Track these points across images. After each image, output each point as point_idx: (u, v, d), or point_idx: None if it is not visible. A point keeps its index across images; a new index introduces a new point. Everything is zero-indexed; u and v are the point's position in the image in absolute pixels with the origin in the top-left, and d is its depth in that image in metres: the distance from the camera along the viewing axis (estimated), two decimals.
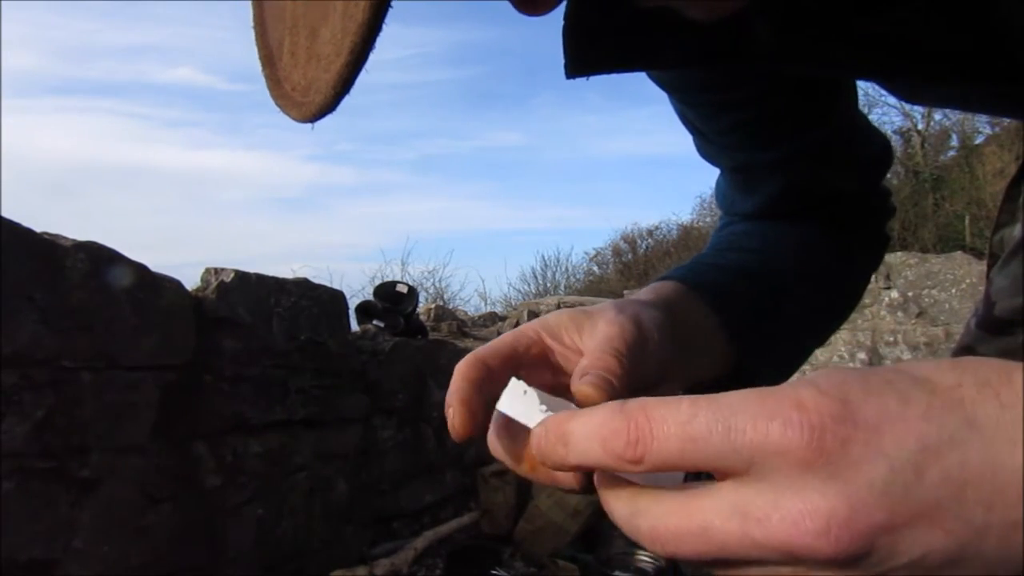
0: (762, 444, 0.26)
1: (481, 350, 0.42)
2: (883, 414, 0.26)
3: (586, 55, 0.48)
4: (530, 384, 0.37)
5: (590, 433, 0.29)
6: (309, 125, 0.30)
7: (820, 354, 5.29)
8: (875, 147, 0.69)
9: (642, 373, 0.42)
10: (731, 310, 0.55)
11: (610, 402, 0.30)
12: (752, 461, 0.26)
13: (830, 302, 0.67)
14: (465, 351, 4.09)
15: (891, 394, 0.26)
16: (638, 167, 25.12)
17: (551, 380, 0.44)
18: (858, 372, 0.28)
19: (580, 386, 0.38)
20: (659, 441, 0.28)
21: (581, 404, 0.37)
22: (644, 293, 0.53)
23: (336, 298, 3.01)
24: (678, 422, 0.28)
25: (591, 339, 0.43)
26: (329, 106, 0.29)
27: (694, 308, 0.54)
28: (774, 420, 0.26)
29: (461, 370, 0.41)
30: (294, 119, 0.31)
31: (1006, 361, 0.27)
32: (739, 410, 0.27)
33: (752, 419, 0.27)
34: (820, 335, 0.68)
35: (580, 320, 0.44)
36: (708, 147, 0.68)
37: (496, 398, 0.37)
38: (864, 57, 0.48)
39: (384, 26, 0.27)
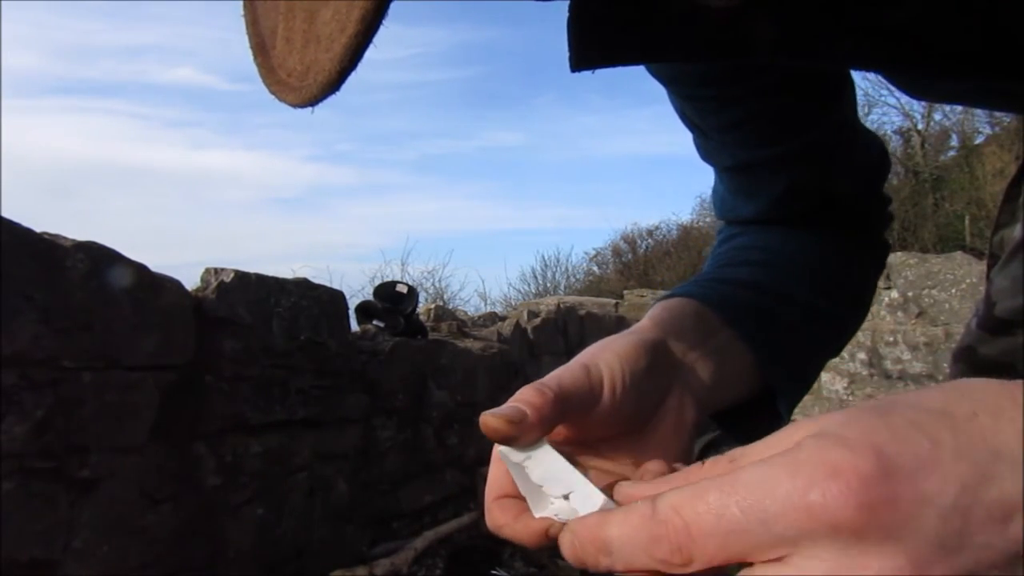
0: (806, 525, 0.25)
1: (492, 492, 0.41)
2: (919, 461, 0.25)
3: (591, 48, 0.47)
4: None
5: (631, 541, 0.29)
6: (308, 109, 0.31)
7: None
8: (874, 151, 0.69)
9: (615, 407, 0.42)
10: (745, 323, 0.54)
11: (639, 504, 0.30)
12: (797, 543, 0.26)
13: (839, 311, 0.65)
14: (465, 351, 4.07)
15: (920, 437, 0.26)
16: (638, 167, 25.15)
17: None
18: (878, 413, 0.27)
19: (483, 416, 0.37)
20: (699, 542, 0.27)
21: (485, 434, 0.37)
22: (646, 319, 0.52)
23: (336, 298, 3.01)
24: (711, 518, 0.27)
25: None
26: (332, 85, 0.29)
27: (704, 323, 0.53)
28: (811, 494, 0.25)
29: (500, 516, 0.40)
30: (291, 104, 0.31)
31: (1004, 383, 0.27)
32: (770, 492, 0.26)
33: (787, 500, 0.26)
34: (833, 345, 0.67)
35: None
36: (708, 145, 0.67)
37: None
38: (869, 50, 0.48)
39: (385, 16, 0.27)
